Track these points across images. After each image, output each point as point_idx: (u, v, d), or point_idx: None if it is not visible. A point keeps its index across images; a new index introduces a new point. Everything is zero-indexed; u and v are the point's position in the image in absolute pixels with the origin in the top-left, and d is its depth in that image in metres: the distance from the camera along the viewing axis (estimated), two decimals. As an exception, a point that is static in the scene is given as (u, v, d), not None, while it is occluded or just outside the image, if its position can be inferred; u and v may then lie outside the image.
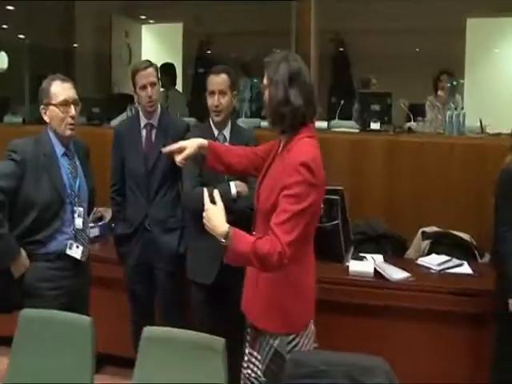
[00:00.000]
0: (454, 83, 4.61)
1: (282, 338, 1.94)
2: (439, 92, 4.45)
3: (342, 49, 5.73)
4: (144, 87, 2.86)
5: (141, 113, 3.00)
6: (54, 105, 2.46)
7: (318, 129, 3.77)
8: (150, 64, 2.91)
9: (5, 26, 5.74)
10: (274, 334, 1.94)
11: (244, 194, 2.64)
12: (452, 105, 4.19)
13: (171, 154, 2.12)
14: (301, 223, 1.80)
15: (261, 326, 1.98)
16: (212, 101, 2.71)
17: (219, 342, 1.82)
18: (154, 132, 2.97)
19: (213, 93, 2.71)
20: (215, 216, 1.80)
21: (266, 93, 1.95)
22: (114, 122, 4.76)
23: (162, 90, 5.53)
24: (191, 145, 2.09)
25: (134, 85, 2.91)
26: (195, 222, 2.69)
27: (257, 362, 2.00)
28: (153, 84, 2.88)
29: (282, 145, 2.00)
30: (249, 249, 1.76)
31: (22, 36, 5.49)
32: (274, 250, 1.75)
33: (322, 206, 2.09)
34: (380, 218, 3.47)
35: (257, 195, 2.03)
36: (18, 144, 2.48)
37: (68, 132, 2.49)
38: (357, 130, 4.01)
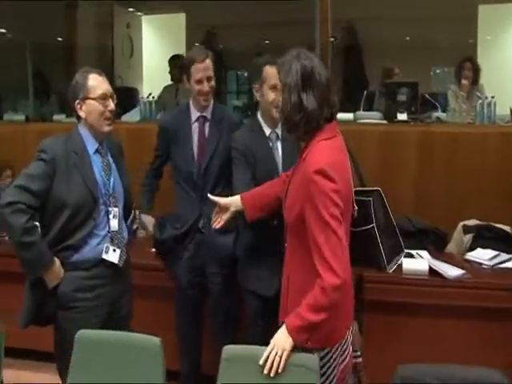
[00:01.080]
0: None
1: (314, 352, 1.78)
2: (462, 81, 4.32)
3: (354, 37, 5.62)
4: (200, 81, 2.63)
5: (192, 106, 2.76)
6: (93, 99, 2.30)
7: (343, 121, 3.73)
8: (207, 55, 2.65)
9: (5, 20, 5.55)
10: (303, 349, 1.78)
11: None
12: (478, 94, 4.09)
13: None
14: (338, 244, 1.70)
15: None
16: (276, 96, 2.36)
17: (313, 359, 1.66)
18: (207, 125, 2.74)
19: (275, 87, 2.39)
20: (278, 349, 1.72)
21: (280, 98, 1.83)
22: (126, 117, 4.58)
23: (171, 83, 5.42)
24: (229, 209, 2.22)
25: (188, 76, 2.66)
26: (249, 230, 2.52)
27: None
28: (210, 78, 2.64)
29: (301, 152, 1.87)
30: (312, 318, 1.70)
31: (23, 30, 5.31)
32: (316, 294, 1.69)
33: (355, 208, 1.98)
34: (413, 212, 3.35)
35: (283, 207, 1.92)
36: (46, 143, 2.32)
37: (106, 128, 2.33)
38: (385, 122, 3.91)
